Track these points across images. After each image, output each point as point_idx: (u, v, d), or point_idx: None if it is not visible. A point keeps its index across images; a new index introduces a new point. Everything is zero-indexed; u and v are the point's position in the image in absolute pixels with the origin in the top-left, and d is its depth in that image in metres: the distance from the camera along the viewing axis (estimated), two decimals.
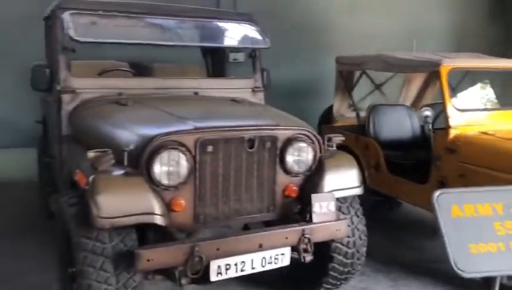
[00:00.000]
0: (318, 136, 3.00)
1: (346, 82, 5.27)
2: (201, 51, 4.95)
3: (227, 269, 2.61)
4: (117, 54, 4.71)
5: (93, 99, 3.43)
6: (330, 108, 5.52)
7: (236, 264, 2.63)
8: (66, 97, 3.40)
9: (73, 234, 2.48)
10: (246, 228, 2.93)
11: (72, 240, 2.49)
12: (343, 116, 5.42)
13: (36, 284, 3.48)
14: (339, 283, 3.17)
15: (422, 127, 4.97)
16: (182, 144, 2.60)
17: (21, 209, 5.17)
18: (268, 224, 2.96)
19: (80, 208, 2.53)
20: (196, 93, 3.81)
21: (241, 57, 6.60)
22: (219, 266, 2.59)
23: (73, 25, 3.29)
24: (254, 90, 4.03)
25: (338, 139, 3.11)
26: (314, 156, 2.95)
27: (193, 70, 4.77)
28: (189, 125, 2.69)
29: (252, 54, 4.10)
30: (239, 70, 5.80)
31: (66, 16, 3.36)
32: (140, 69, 4.45)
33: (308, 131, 2.96)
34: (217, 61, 4.84)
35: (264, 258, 2.70)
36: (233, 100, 3.64)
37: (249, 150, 2.77)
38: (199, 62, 5.15)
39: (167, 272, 2.60)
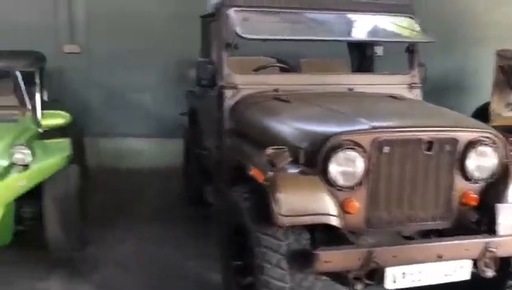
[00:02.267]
0: (504, 140, 2.71)
1: (508, 78, 4.78)
2: (348, 45, 4.81)
3: (403, 278, 2.48)
4: (263, 50, 4.79)
5: (252, 95, 3.49)
6: (484, 106, 5.06)
7: (412, 274, 2.49)
8: (228, 92, 3.50)
9: (251, 229, 2.52)
10: (421, 235, 2.75)
11: (250, 235, 2.53)
12: (500, 115, 4.94)
13: (194, 271, 3.64)
14: None
15: None
16: (358, 144, 2.51)
17: (166, 197, 5.50)
18: (440, 233, 2.76)
19: (254, 202, 2.57)
20: (351, 89, 3.71)
21: (380, 50, 6.31)
22: (395, 274, 2.46)
23: (239, 22, 3.36)
24: (411, 87, 3.81)
25: None
26: (499, 161, 2.68)
27: (338, 65, 4.67)
28: (365, 125, 2.59)
29: (410, 49, 3.88)
30: (378, 64, 5.58)
31: (232, 12, 3.45)
32: (287, 65, 4.46)
33: (493, 133, 2.70)
34: (364, 55, 4.66)
35: (442, 269, 2.51)
36: (393, 97, 3.47)
37: (427, 152, 2.60)
38: (339, 56, 5.04)
39: (339, 275, 2.54)
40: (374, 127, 2.55)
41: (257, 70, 3.92)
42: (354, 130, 2.55)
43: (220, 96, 3.52)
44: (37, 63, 5.05)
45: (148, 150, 6.80)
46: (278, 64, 4.17)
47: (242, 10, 3.49)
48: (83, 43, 6.79)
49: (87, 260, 3.79)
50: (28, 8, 6.70)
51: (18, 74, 4.37)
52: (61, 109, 4.54)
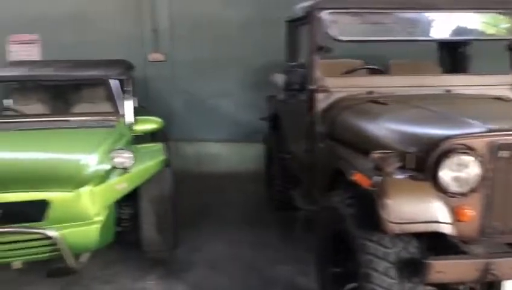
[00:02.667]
0: None
1: None
2: (438, 44, 4.60)
3: None
4: (346, 52, 4.71)
5: (345, 98, 3.42)
6: None
7: None
8: (320, 96, 3.45)
9: (355, 235, 2.46)
10: None
11: (354, 241, 2.46)
12: None
13: (285, 276, 3.62)
14: None
15: None
16: (472, 148, 2.36)
17: (248, 201, 5.55)
18: None
19: (359, 208, 2.50)
20: (448, 91, 3.53)
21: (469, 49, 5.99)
22: None
23: (333, 24, 3.31)
24: None
25: None
26: None
27: (428, 66, 4.48)
28: (479, 128, 2.43)
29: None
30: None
31: (324, 15, 3.40)
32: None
33: None
34: (458, 55, 4.43)
35: None
36: (499, 98, 3.26)
37: None
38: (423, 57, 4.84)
39: (448, 287, 2.40)
40: (491, 130, 2.39)
41: (348, 72, 3.84)
42: (468, 133, 2.40)
43: (312, 100, 3.49)
44: (128, 72, 5.31)
45: (227, 154, 6.91)
46: (370, 66, 4.07)
47: (334, 12, 3.44)
48: (166, 51, 7.05)
49: (180, 261, 3.89)
50: (117, 20, 7.09)
51: (112, 81, 4.60)
52: (147, 115, 4.73)
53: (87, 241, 3.31)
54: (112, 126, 4.23)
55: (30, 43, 7.58)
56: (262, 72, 6.80)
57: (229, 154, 6.87)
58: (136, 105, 5.38)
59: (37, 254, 3.25)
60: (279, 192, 4.72)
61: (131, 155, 3.49)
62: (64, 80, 4.89)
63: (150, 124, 4.52)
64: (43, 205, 3.16)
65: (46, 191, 3.19)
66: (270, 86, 6.53)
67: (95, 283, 3.54)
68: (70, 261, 3.21)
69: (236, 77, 6.97)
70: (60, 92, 5.72)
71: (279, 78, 4.88)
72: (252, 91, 6.95)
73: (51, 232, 3.10)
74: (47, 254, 3.26)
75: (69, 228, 3.20)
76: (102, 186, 3.36)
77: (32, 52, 7.58)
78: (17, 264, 3.23)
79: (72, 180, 3.28)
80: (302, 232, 4.44)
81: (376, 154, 2.40)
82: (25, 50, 7.61)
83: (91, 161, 3.48)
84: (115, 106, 4.48)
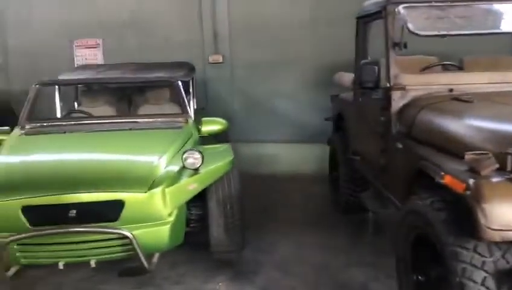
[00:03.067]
0: None
1: None
2: None
3: None
4: (417, 49, 4.51)
5: (424, 96, 3.25)
6: None
7: None
8: (396, 94, 3.30)
9: (446, 242, 2.30)
10: None
11: (444, 248, 2.31)
12: None
13: (359, 281, 3.49)
14: None
15: None
16: None
17: (312, 202, 5.44)
18: None
19: (450, 213, 2.34)
20: None
21: None
22: None
23: (411, 18, 3.16)
24: None
25: None
26: None
27: (506, 62, 4.19)
28: None
29: None
30: None
31: (400, 9, 3.25)
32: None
33: None
34: None
35: None
36: None
37: None
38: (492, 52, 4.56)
39: None
40: None
41: (425, 69, 3.65)
42: None
43: (387, 98, 3.34)
44: (191, 73, 5.36)
45: (287, 155, 6.83)
46: (448, 63, 3.87)
47: (410, 6, 3.28)
48: (225, 53, 7.07)
49: (247, 263, 3.85)
50: (177, 23, 7.20)
51: (179, 83, 4.64)
52: (207, 116, 4.72)
53: (158, 242, 3.33)
54: (179, 127, 4.26)
55: (94, 47, 7.84)
56: (322, 72, 6.69)
57: (288, 156, 6.78)
58: (195, 107, 5.42)
59: (110, 253, 3.30)
60: (345, 194, 4.58)
61: (201, 156, 3.49)
62: (133, 82, 4.98)
63: (215, 125, 4.52)
64: (117, 205, 3.21)
65: (121, 191, 3.23)
66: (331, 86, 6.41)
67: (166, 283, 3.56)
68: (144, 262, 3.24)
69: (295, 77, 6.88)
70: (126, 94, 5.86)
71: (346, 77, 4.75)
72: (311, 91, 6.84)
73: (127, 232, 3.13)
74: (120, 254, 3.30)
75: (142, 229, 3.23)
76: (174, 187, 3.37)
77: (97, 56, 7.84)
78: (91, 263, 3.29)
79: (145, 181, 3.31)
80: (372, 236, 4.28)
81: (471, 156, 2.23)
82: (89, 54, 7.88)
83: (163, 162, 3.50)
84: (182, 107, 4.50)
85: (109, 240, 3.22)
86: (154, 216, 3.28)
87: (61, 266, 3.25)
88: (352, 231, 4.43)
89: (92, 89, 5.65)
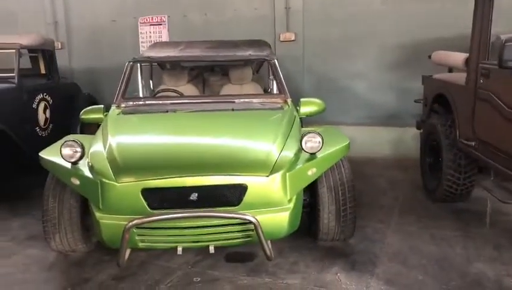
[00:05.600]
0: None
1: None
2: None
3: None
4: None
5: None
6: None
7: None
8: None
9: None
10: None
11: None
12: None
13: (488, 276, 3.26)
14: None
15: None
16: None
17: (399, 188, 5.20)
18: None
19: None
20: None
21: None
22: None
23: None
24: None
25: None
26: None
27: None
28: None
29: None
30: None
31: None
32: None
33: None
34: None
35: None
36: None
37: None
38: None
39: None
40: None
41: None
42: None
43: None
44: (272, 52, 5.13)
45: (362, 138, 6.56)
46: None
47: None
48: (297, 30, 6.81)
49: (359, 252, 3.66)
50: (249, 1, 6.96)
51: (276, 62, 4.45)
52: None
53: (278, 228, 3.18)
54: (279, 108, 4.06)
55: (159, 24, 7.68)
56: (403, 51, 6.38)
57: (363, 139, 6.51)
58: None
59: (230, 239, 3.16)
60: (448, 181, 4.32)
61: (320, 139, 3.29)
62: (230, 60, 4.77)
63: (313, 107, 4.29)
64: (239, 189, 3.07)
65: (244, 175, 3.08)
66: (415, 65, 6.10)
67: (280, 272, 3.39)
68: (268, 249, 3.09)
69: (372, 57, 6.57)
70: (210, 74, 5.69)
71: (453, 57, 4.45)
72: (389, 71, 6.53)
73: (252, 218, 2.98)
74: (240, 240, 3.17)
75: (263, 214, 3.07)
76: (295, 171, 3.20)
77: (161, 33, 7.69)
78: (210, 249, 3.16)
79: (267, 164, 3.15)
80: (487, 228, 4.03)
81: None
82: (153, 31, 7.73)
83: (279, 145, 3.31)
84: (281, 87, 4.29)
85: (230, 225, 3.08)
86: (274, 201, 3.13)
87: (180, 251, 3.14)
88: (457, 221, 4.17)
89: (174, 67, 5.50)
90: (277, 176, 3.11)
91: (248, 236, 3.13)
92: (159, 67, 5.75)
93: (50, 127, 5.92)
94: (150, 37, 7.67)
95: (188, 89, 5.14)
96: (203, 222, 3.04)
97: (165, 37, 7.59)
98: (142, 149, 3.39)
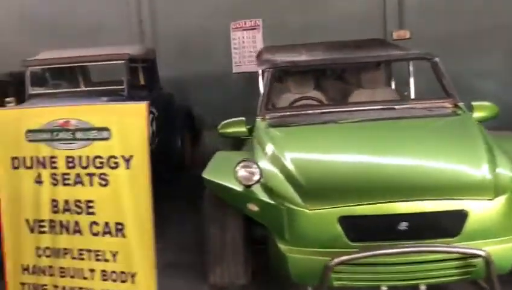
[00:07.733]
0: None
1: None
2: None
3: None
4: None
5: None
6: None
7: None
8: None
9: None
10: None
11: None
12: None
13: None
14: None
15: None
16: None
17: None
18: None
19: None
20: None
21: None
22: None
23: None
24: None
25: None
26: None
27: None
28: None
29: None
30: None
31: None
32: None
33: None
34: None
35: None
36: None
37: None
38: None
39: None
40: None
41: None
42: None
43: None
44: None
45: None
46: None
47: None
48: (413, 27, 6.18)
49: None
50: None
51: (438, 60, 3.88)
52: None
53: (505, 263, 2.59)
54: (452, 114, 3.47)
55: (253, 29, 7.25)
56: None
57: None
58: None
59: (445, 276, 2.59)
60: None
61: None
62: (376, 60, 4.23)
63: (487, 112, 3.63)
64: (459, 216, 2.51)
65: (464, 199, 2.52)
66: None
67: None
68: (498, 286, 2.50)
69: (502, 53, 5.86)
70: (332, 78, 5.20)
71: None
72: None
73: (482, 252, 2.41)
74: (457, 277, 2.60)
75: (488, 246, 2.50)
76: None
77: (255, 38, 7.25)
78: (421, 288, 2.61)
79: (489, 185, 2.59)
80: None
81: None
82: (247, 36, 7.31)
83: (497, 161, 2.73)
84: (448, 89, 3.69)
85: (448, 260, 2.52)
86: (500, 230, 2.55)
87: None
88: None
89: (298, 72, 5.01)
90: (502, 199, 2.53)
91: (467, 273, 2.57)
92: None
93: (156, 140, 5.55)
94: (243, 42, 7.24)
95: (316, 95, 4.64)
96: (415, 257, 2.50)
97: (259, 43, 7.13)
98: (331, 169, 2.87)
